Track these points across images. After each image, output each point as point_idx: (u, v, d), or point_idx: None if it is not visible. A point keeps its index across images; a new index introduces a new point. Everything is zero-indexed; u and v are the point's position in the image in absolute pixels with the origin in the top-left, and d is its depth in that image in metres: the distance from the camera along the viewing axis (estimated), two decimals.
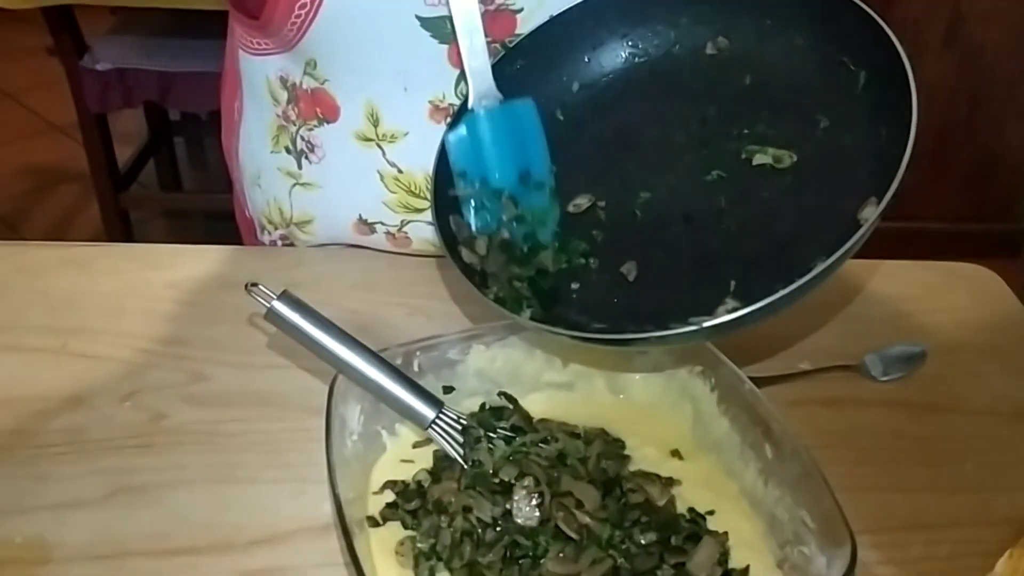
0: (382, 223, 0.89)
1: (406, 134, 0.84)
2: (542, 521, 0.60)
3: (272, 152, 0.91)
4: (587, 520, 0.59)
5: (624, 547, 0.58)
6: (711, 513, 0.63)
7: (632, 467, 0.66)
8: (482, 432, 0.65)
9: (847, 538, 0.54)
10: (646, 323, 0.64)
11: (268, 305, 0.63)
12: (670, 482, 0.64)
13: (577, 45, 0.77)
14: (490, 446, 0.64)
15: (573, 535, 0.58)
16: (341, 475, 0.58)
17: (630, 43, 0.77)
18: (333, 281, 0.89)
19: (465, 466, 0.64)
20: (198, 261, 0.91)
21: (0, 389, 0.75)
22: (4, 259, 0.90)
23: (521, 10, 0.76)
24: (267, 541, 0.65)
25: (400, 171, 0.85)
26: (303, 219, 0.93)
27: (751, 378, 0.66)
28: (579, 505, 0.60)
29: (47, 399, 0.75)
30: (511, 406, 0.69)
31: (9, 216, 2.65)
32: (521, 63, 0.76)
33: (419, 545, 0.60)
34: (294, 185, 0.91)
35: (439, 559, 0.59)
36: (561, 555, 0.57)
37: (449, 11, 0.73)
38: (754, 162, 0.72)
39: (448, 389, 0.69)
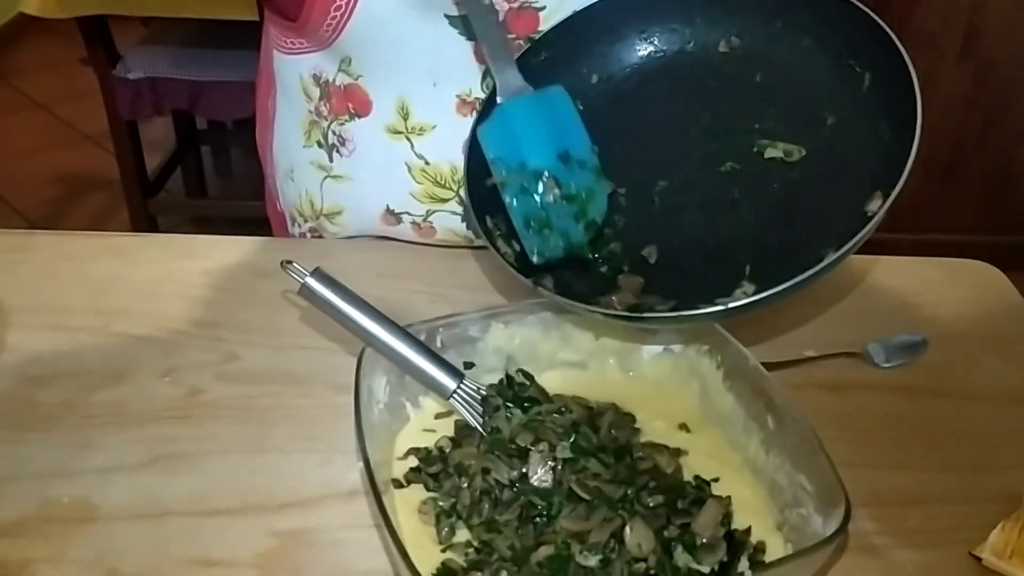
0: (408, 213, 0.93)
1: (434, 127, 0.88)
2: (556, 483, 0.64)
3: (304, 147, 0.96)
4: (598, 482, 0.63)
5: (633, 508, 0.62)
6: (716, 480, 0.66)
7: (642, 439, 0.69)
8: (501, 401, 0.69)
9: (842, 497, 0.57)
10: (668, 303, 0.69)
11: (302, 281, 0.67)
12: (677, 452, 0.68)
13: (597, 39, 0.81)
14: (508, 415, 0.68)
15: (585, 496, 0.62)
16: (368, 439, 0.62)
17: (647, 39, 0.82)
18: (360, 269, 0.93)
19: (484, 433, 0.68)
20: (231, 251, 0.96)
21: (48, 365, 0.80)
22: (51, 247, 0.95)
23: (543, 8, 0.80)
24: (297, 505, 0.69)
25: (427, 163, 0.90)
26: (333, 211, 0.97)
27: None
28: (590, 470, 0.64)
29: (91, 374, 0.79)
30: (528, 382, 0.73)
31: (41, 222, 2.72)
32: (545, 55, 0.80)
33: (440, 504, 0.64)
34: (325, 178, 0.96)
35: (459, 517, 0.63)
36: (574, 514, 0.61)
37: (466, 10, 0.75)
38: (765, 155, 0.76)
39: (468, 365, 0.73)
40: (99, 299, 0.88)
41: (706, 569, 0.59)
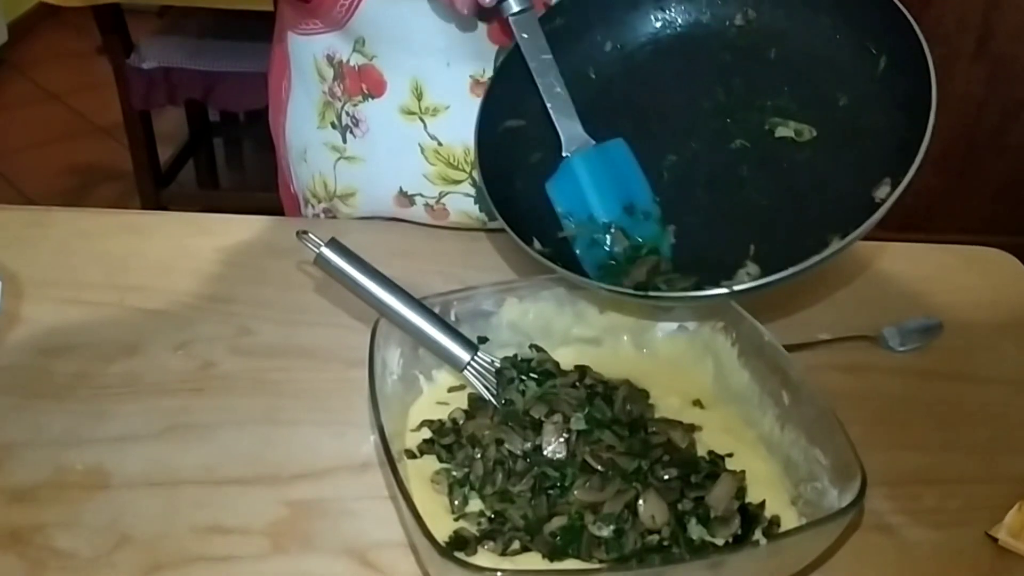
0: (421, 195, 0.93)
1: (448, 107, 0.88)
2: (570, 455, 0.63)
3: (318, 128, 0.96)
4: (612, 454, 0.62)
5: (647, 481, 0.62)
6: (730, 455, 0.66)
7: (655, 415, 0.69)
8: (515, 374, 0.69)
9: (857, 470, 0.57)
10: (674, 280, 0.69)
11: (317, 250, 0.67)
12: (691, 428, 0.68)
13: (612, 6, 0.81)
14: (522, 387, 0.68)
15: (599, 468, 0.62)
16: (382, 410, 0.62)
17: (663, 8, 0.81)
18: (373, 250, 0.91)
19: (498, 406, 0.67)
20: (245, 229, 0.96)
21: (63, 337, 0.80)
22: (67, 223, 0.95)
23: None
24: (310, 476, 0.69)
25: (440, 144, 0.90)
26: (347, 192, 0.97)
27: None
28: (604, 442, 0.64)
29: (106, 346, 0.79)
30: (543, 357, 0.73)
31: None
32: (560, 20, 0.79)
33: (453, 474, 0.64)
34: (339, 159, 0.96)
35: (472, 487, 0.63)
36: (587, 485, 0.61)
37: (526, 62, 0.75)
38: (776, 134, 0.75)
39: (482, 340, 0.73)
40: (114, 274, 0.88)
41: (720, 541, 0.59)
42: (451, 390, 0.72)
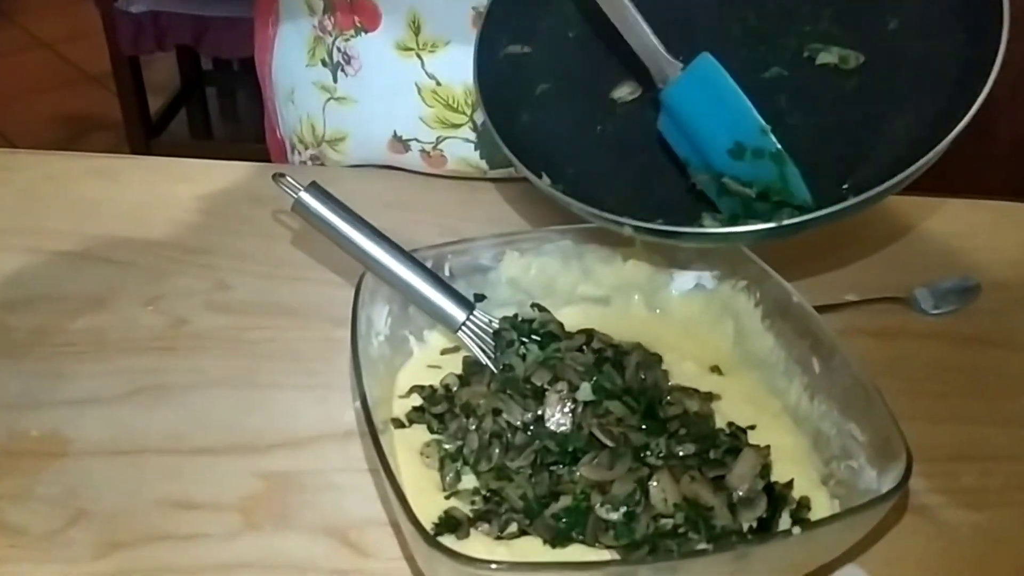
0: (417, 140, 0.87)
1: (447, 43, 0.81)
2: (575, 428, 0.57)
3: (307, 66, 0.89)
4: (622, 428, 0.56)
5: (661, 457, 0.56)
6: (752, 428, 0.60)
7: (670, 382, 0.63)
8: (515, 336, 0.62)
9: (902, 449, 0.51)
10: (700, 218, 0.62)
11: (295, 196, 0.61)
12: (709, 396, 0.61)
13: None
14: (523, 351, 0.62)
15: (609, 442, 0.55)
16: (366, 374, 0.55)
17: None
18: (365, 200, 0.85)
19: (495, 371, 0.61)
20: (227, 175, 0.89)
21: (22, 289, 0.74)
22: (32, 168, 0.89)
23: None
24: (288, 445, 0.63)
25: (439, 83, 0.83)
26: (336, 136, 0.90)
27: None
28: (614, 414, 0.57)
29: (68, 300, 0.73)
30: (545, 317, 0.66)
31: None
32: None
33: (445, 447, 0.57)
34: (328, 100, 0.89)
35: (465, 462, 0.57)
36: (595, 462, 0.55)
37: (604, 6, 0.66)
38: (817, 61, 0.68)
39: (479, 297, 0.66)
40: (82, 222, 0.82)
41: (744, 526, 0.53)
42: (444, 352, 0.65)
